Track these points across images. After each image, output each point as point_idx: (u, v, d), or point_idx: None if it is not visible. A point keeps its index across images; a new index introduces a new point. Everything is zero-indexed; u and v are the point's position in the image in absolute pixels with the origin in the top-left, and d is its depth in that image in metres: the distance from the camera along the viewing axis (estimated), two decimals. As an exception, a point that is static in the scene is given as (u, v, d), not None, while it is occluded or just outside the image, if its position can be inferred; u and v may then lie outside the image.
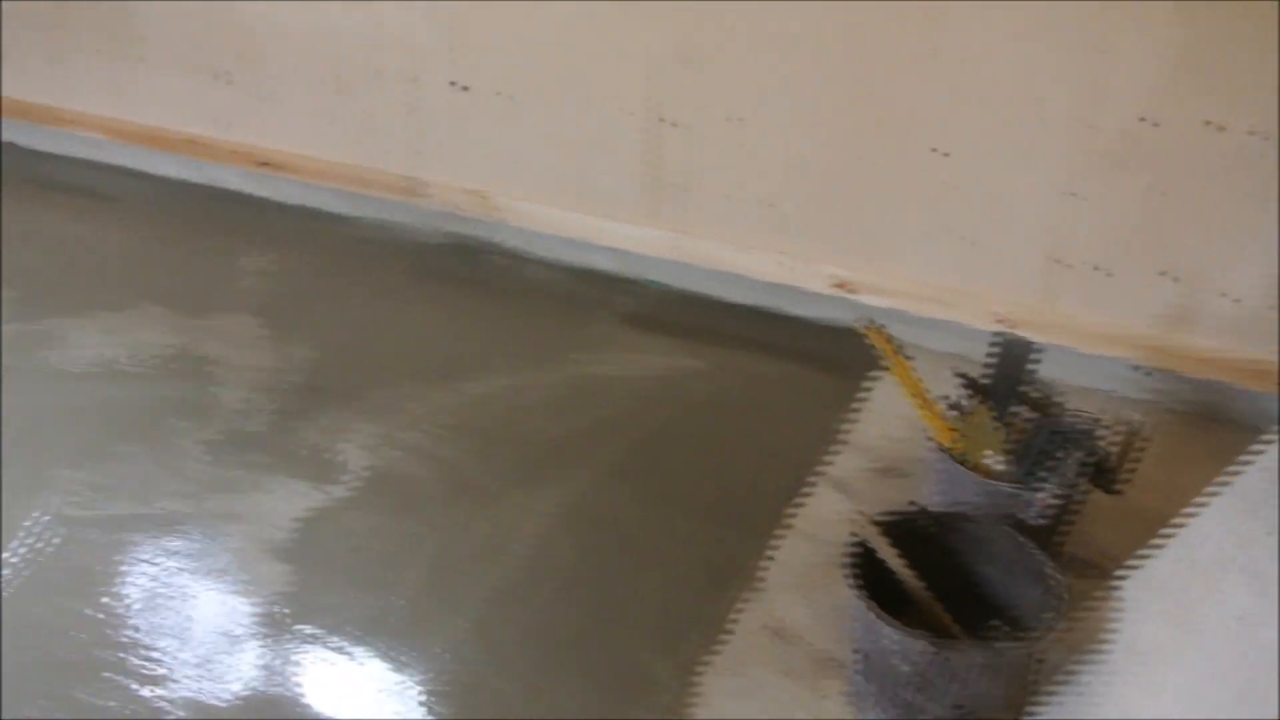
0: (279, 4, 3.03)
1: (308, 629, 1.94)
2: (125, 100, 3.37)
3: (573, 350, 2.66)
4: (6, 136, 3.55)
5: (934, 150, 2.46)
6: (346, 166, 3.15)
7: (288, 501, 2.20)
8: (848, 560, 1.72)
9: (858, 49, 2.45)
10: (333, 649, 1.91)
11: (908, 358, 2.04)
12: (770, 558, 2.06)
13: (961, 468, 1.95)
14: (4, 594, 1.98)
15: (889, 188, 2.54)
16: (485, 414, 2.45)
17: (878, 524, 1.77)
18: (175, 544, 2.10)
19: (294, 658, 1.89)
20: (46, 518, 2.14)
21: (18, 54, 3.44)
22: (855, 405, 2.44)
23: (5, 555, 2.05)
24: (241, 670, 1.87)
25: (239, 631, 1.93)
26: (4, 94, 3.49)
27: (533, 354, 2.65)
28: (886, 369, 2.06)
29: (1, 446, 2.33)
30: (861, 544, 1.75)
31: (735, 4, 2.52)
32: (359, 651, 1.90)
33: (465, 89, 2.92)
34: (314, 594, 2.01)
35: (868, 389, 2.48)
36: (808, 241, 2.68)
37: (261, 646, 1.91)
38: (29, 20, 3.36)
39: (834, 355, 2.60)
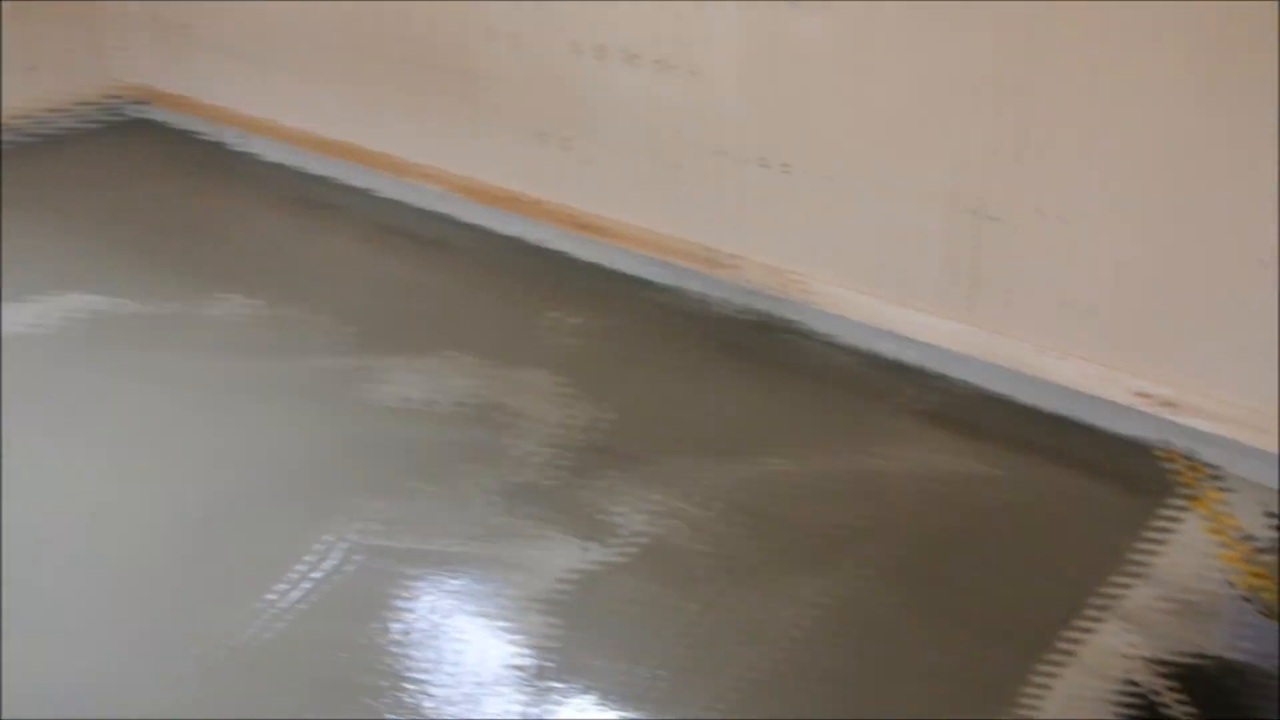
0: (610, 76, 3.16)
1: (563, 685, 1.97)
2: (467, 157, 3.58)
3: (860, 440, 2.62)
4: (369, 185, 3.82)
5: (1263, 264, 2.29)
6: (658, 235, 3.23)
7: (561, 557, 2.26)
8: (1125, 704, 1.61)
9: (1193, 152, 2.32)
10: (585, 709, 1.93)
11: (1215, 487, 1.90)
12: (1042, 685, 1.95)
13: (1265, 618, 1.79)
14: (286, 611, 2.11)
15: (1211, 300, 2.38)
16: (764, 494, 2.43)
17: (1162, 668, 1.64)
18: (450, 583, 2.19)
19: (546, 711, 1.92)
20: (340, 543, 2.27)
21: (388, 114, 3.72)
22: (1152, 532, 2.29)
23: (294, 572, 2.19)
24: (494, 715, 1.91)
25: (497, 677, 1.99)
26: (376, 149, 3.78)
27: (820, 440, 2.63)
28: (1190, 496, 1.92)
29: (307, 470, 2.51)
30: (1141, 689, 1.63)
31: (1063, 99, 2.44)
32: (611, 716, 1.91)
33: (778, 167, 2.95)
34: (574, 652, 2.04)
35: (1167, 515, 2.32)
36: (1118, 350, 2.54)
37: (517, 695, 1.95)
38: (398, 85, 3.64)
39: (1134, 474, 2.45)
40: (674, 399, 2.80)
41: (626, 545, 2.29)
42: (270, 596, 2.13)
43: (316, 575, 2.19)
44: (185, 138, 4.20)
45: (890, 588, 2.19)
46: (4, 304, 3.07)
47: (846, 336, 2.98)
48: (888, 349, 2.92)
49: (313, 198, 3.80)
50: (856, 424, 2.70)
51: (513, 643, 2.06)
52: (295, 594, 2.14)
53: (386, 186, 3.78)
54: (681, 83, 3.05)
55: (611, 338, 3.06)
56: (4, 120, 4.04)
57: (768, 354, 2.98)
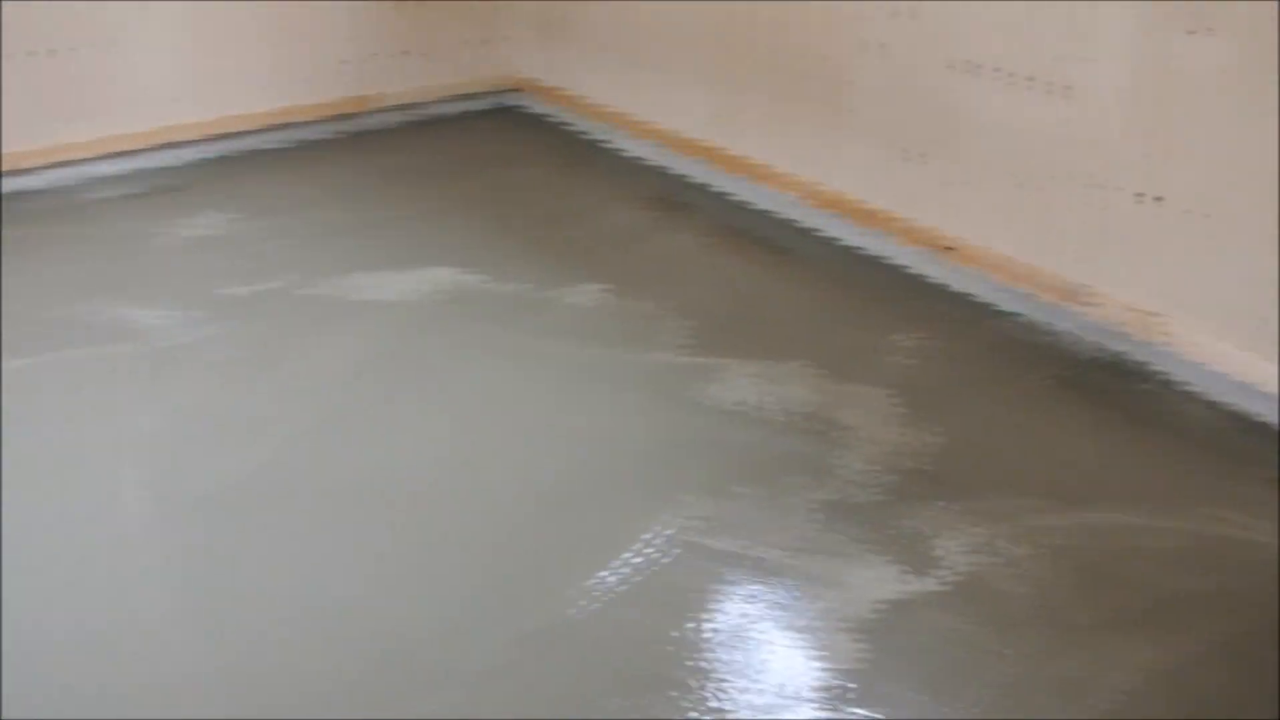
0: (980, 93, 3.08)
1: (864, 712, 1.94)
2: (822, 166, 3.58)
3: (1211, 503, 2.44)
4: (724, 187, 3.88)
5: None
6: (1013, 261, 3.13)
7: (877, 581, 2.22)
8: None
9: None
10: (883, 741, 1.90)
11: None
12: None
13: None
14: (605, 599, 2.18)
15: None
16: (1095, 546, 2.32)
17: None
18: (764, 592, 2.20)
19: (844, 736, 1.91)
20: (663, 536, 2.32)
21: (749, 118, 3.77)
22: None
23: (621, 560, 2.25)
24: (793, 732, 1.92)
25: (798, 692, 1.98)
26: (734, 151, 3.84)
27: (1165, 496, 2.48)
28: None
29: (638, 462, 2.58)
30: None
31: None
32: (908, 752, 1.88)
33: (1150, 199, 2.79)
34: (877, 680, 2.01)
35: None
36: None
37: (816, 712, 1.94)
38: (763, 90, 3.69)
39: None
40: (1010, 433, 2.70)
41: (944, 579, 2.23)
42: (591, 581, 2.20)
43: (637, 564, 2.25)
44: (554, 128, 4.40)
45: (1226, 666, 2.05)
46: (380, 272, 3.31)
47: (1207, 388, 2.79)
48: (1252, 407, 2.71)
49: (668, 195, 3.90)
50: (1207, 484, 2.52)
51: (816, 660, 2.05)
52: (615, 580, 2.21)
53: (741, 189, 3.82)
54: (1056, 104, 2.94)
55: (952, 362, 2.98)
56: (396, 102, 4.36)
57: (1116, 397, 2.83)
